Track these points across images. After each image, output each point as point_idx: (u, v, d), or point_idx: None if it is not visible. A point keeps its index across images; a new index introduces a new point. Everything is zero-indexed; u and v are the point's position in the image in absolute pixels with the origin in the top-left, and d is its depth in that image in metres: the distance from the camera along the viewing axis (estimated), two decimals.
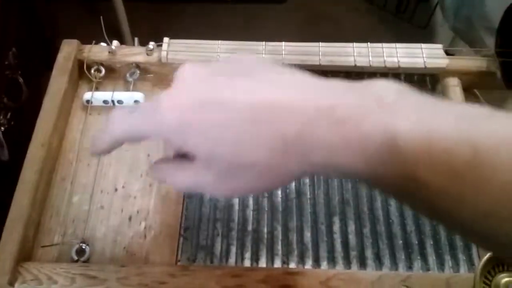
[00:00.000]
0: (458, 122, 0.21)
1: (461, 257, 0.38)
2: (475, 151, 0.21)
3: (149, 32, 1.32)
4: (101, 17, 0.48)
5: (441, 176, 0.21)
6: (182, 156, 0.27)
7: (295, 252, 0.37)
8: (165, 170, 0.29)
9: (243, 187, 0.26)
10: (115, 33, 1.21)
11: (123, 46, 0.47)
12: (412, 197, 0.24)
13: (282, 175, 0.25)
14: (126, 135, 0.28)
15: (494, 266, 0.33)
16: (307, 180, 0.41)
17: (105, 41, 0.47)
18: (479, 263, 0.32)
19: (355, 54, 0.45)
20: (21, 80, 0.79)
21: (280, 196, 0.40)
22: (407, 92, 0.24)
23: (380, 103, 0.23)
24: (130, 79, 0.46)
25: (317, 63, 0.45)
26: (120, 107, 0.29)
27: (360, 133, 0.23)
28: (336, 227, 0.39)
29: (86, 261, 0.37)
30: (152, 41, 0.47)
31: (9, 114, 0.76)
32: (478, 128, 0.21)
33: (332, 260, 0.37)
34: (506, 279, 0.33)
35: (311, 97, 0.24)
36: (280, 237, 0.38)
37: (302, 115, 0.24)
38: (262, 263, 0.37)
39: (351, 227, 0.39)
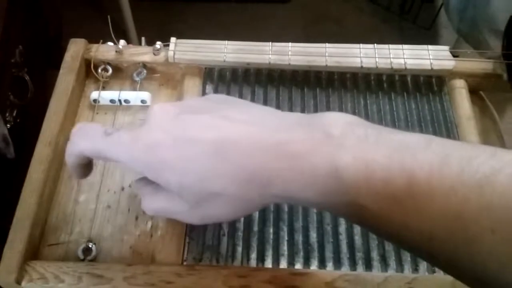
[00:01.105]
0: (394, 154, 0.24)
1: None
2: (410, 180, 0.23)
3: (154, 31, 1.32)
4: (108, 16, 0.48)
5: (381, 203, 0.23)
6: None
7: (301, 253, 0.38)
8: (143, 190, 0.32)
9: (213, 214, 0.29)
10: (120, 32, 1.21)
11: (130, 45, 0.47)
12: (362, 221, 0.27)
13: (247, 204, 0.28)
14: (95, 151, 0.31)
15: None
16: None
17: (111, 41, 0.47)
18: None
19: (361, 55, 0.45)
20: (27, 78, 0.79)
21: None
22: (355, 125, 0.26)
23: (328, 137, 0.25)
24: (137, 79, 0.46)
25: (324, 64, 0.45)
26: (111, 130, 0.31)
27: (310, 166, 0.25)
28: (342, 228, 0.39)
29: (93, 260, 0.37)
30: (157, 40, 0.47)
31: (15, 112, 0.76)
32: (414, 159, 0.23)
33: (337, 261, 0.37)
34: None
35: (267, 134, 0.27)
36: (285, 237, 0.38)
37: (260, 151, 0.26)
38: (268, 264, 0.37)
39: (357, 228, 0.39)
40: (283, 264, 0.37)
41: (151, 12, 1.40)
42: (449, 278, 0.35)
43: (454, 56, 0.47)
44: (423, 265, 0.37)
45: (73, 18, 1.21)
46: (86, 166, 0.33)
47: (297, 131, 0.26)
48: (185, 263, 0.37)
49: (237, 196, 0.27)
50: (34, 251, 0.37)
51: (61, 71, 0.44)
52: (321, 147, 0.25)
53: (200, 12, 1.42)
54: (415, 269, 0.37)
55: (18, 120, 0.76)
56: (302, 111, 0.45)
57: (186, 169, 0.27)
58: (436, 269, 0.37)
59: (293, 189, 0.26)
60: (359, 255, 0.38)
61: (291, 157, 0.25)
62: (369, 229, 0.28)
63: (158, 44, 0.47)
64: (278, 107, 0.45)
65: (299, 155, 0.25)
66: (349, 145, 0.25)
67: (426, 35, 1.37)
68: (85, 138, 0.31)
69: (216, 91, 0.46)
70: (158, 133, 0.28)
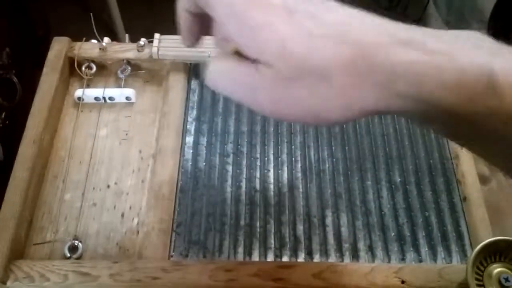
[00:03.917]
0: None
1: (454, 248, 0.38)
2: None
3: (143, 29, 1.31)
4: (91, 14, 0.48)
5: None
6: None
7: (288, 246, 0.37)
8: (224, 62, 0.25)
9: (298, 100, 0.23)
10: (109, 31, 1.21)
11: (114, 42, 0.47)
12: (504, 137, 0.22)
13: (351, 102, 0.23)
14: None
15: (486, 257, 0.33)
16: (299, 174, 0.41)
17: (96, 38, 0.47)
18: (472, 254, 0.32)
19: None
20: (15, 79, 0.79)
21: (272, 190, 0.40)
22: (499, 42, 0.23)
23: (476, 45, 0.23)
24: (121, 76, 0.46)
25: None
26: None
27: (456, 66, 0.22)
28: (329, 220, 0.39)
29: (79, 258, 0.37)
30: (147, 37, 0.47)
31: (3, 114, 0.76)
32: None
33: (325, 253, 0.37)
34: (498, 269, 0.33)
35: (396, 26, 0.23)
36: (272, 230, 0.38)
37: (389, 37, 0.22)
38: (255, 257, 0.37)
39: (344, 220, 0.39)
40: (271, 257, 0.37)
41: (140, 11, 1.39)
42: (436, 266, 0.36)
43: None
44: (410, 255, 0.37)
45: (61, 17, 1.20)
46: (196, 25, 0.28)
47: (437, 34, 0.23)
48: (171, 258, 0.37)
49: (344, 85, 0.22)
50: (19, 251, 0.37)
51: (44, 70, 0.44)
52: (469, 50, 0.22)
53: None
54: (402, 259, 0.37)
55: (6, 122, 0.76)
56: None
57: (293, 31, 0.23)
58: (423, 258, 0.37)
59: (428, 89, 0.22)
60: (346, 246, 0.38)
61: (430, 53, 0.22)
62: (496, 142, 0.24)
63: (142, 41, 0.46)
64: None
65: (441, 53, 0.22)
66: (502, 54, 0.22)
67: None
68: None
69: (201, 87, 0.46)
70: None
